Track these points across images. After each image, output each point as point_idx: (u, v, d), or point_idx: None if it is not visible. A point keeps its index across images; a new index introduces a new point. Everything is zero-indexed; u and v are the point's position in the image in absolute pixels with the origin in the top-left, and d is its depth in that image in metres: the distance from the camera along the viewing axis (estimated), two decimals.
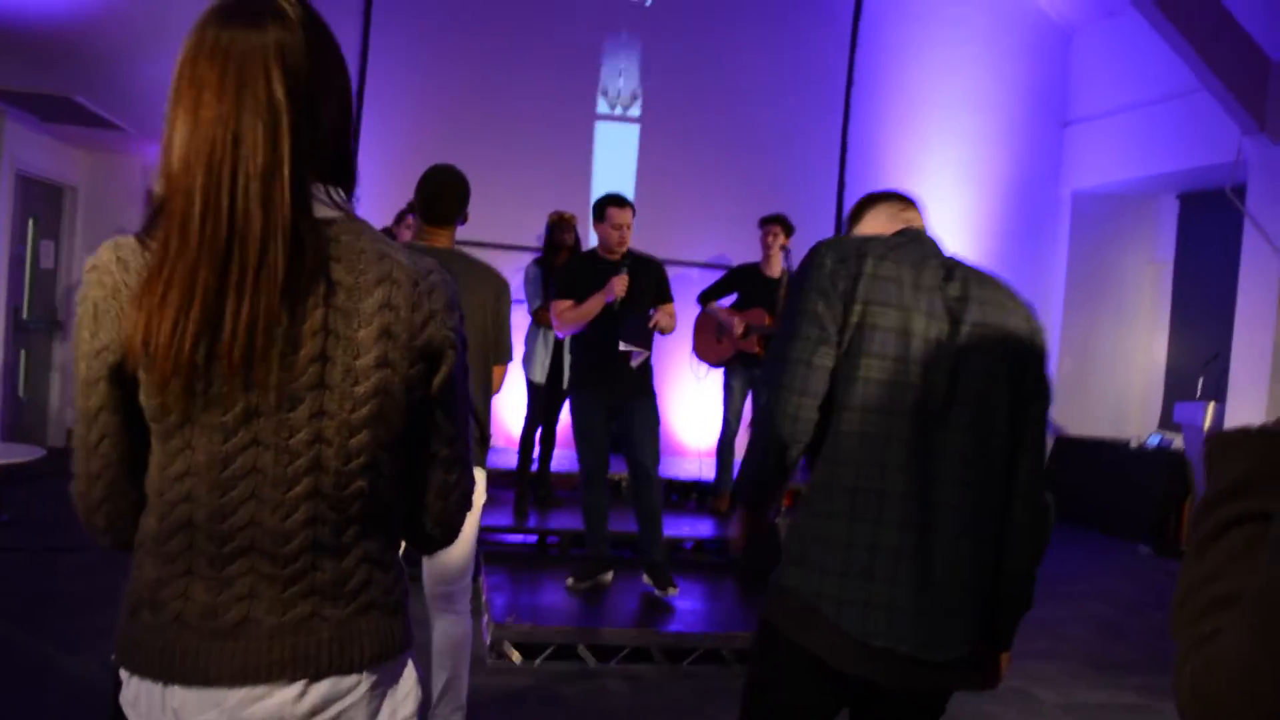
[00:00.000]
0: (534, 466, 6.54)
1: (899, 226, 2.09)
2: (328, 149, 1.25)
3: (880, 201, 2.19)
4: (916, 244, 1.98)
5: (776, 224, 6.70)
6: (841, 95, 9.30)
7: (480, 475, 3.27)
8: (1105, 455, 9.05)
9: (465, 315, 3.14)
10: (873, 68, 9.37)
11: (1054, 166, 9.81)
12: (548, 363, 6.35)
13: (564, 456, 7.59)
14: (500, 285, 3.28)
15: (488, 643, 4.55)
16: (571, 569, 5.21)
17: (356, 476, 1.25)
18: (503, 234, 8.41)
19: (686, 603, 5.01)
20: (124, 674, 1.30)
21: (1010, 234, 9.67)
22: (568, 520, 6.26)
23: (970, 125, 9.51)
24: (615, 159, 8.90)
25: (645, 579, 5.05)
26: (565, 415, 6.86)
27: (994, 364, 1.87)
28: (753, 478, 1.97)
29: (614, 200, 5.03)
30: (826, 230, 9.24)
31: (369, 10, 8.46)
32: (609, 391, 4.95)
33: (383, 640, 1.31)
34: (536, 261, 6.51)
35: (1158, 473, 8.34)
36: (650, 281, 5.02)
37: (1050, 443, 9.58)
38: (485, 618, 4.77)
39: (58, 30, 5.04)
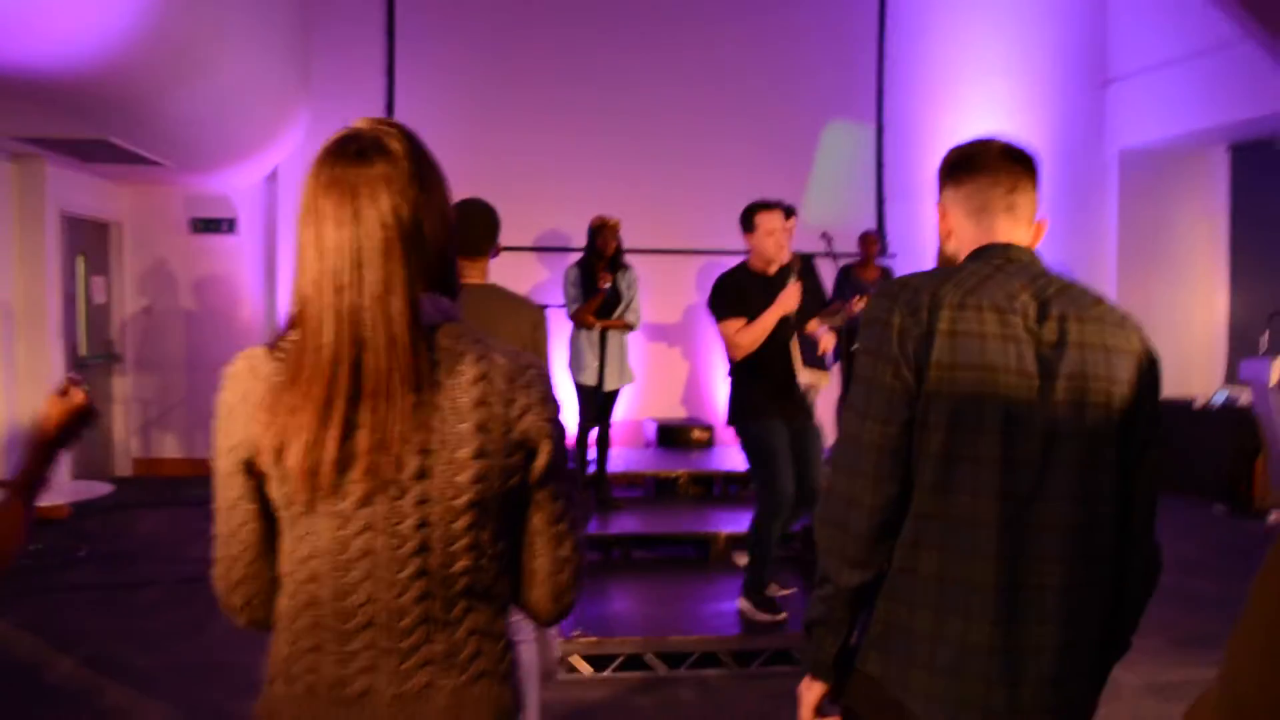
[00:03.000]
0: (591, 469, 6.55)
1: (991, 225, 1.76)
2: (433, 263, 1.38)
3: (979, 174, 1.79)
4: (1004, 274, 1.68)
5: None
6: (874, 74, 9.17)
7: None
8: (1171, 415, 8.83)
9: (490, 337, 3.14)
10: (904, 44, 9.24)
11: (1098, 126, 9.60)
12: (596, 365, 6.35)
13: (620, 456, 7.60)
14: (537, 316, 3.23)
15: (557, 657, 4.55)
16: (753, 600, 4.81)
17: (460, 556, 1.36)
18: (545, 238, 8.44)
19: None
20: None
21: (1059, 198, 9.48)
22: (630, 523, 6.25)
23: (1009, 92, 9.34)
24: (643, 154, 8.86)
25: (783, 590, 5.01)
26: (617, 414, 6.89)
27: (1098, 419, 1.62)
28: (818, 618, 1.74)
29: (761, 205, 4.58)
30: (867, 210, 9.13)
31: (391, 27, 8.48)
32: (791, 416, 4.66)
33: (494, 706, 1.41)
34: (577, 264, 6.49)
35: (1227, 430, 8.18)
36: (811, 280, 4.56)
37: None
38: (553, 631, 4.77)
39: (86, 78, 5.09)
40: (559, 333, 7.26)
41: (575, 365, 6.42)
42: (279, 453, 1.31)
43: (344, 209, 1.32)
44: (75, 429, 1.79)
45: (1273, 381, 7.34)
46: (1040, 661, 1.61)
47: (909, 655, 1.64)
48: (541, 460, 1.40)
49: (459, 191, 3.39)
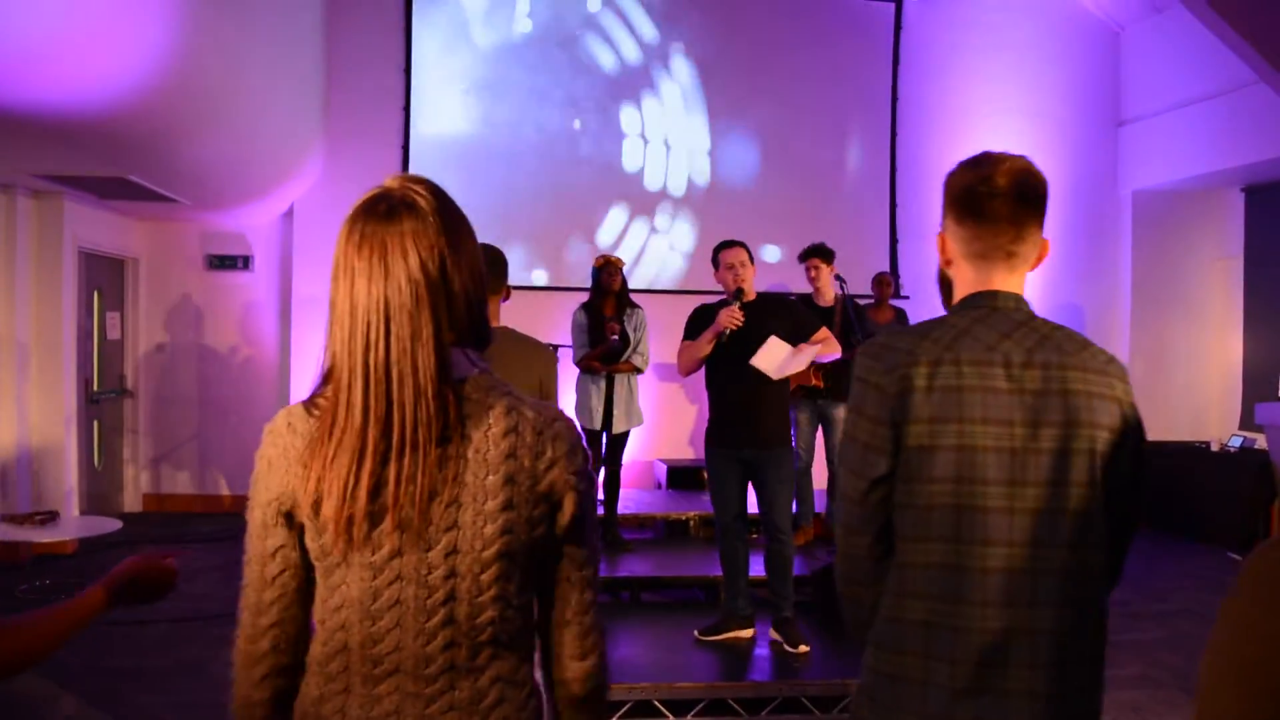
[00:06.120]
0: (599, 511, 6.52)
1: (989, 273, 1.76)
2: (462, 315, 1.42)
3: (983, 221, 1.77)
4: (984, 324, 1.70)
5: (815, 256, 6.68)
6: (887, 115, 9.19)
7: None
8: (1185, 459, 8.79)
9: (517, 389, 3.14)
10: (917, 84, 9.26)
11: (1111, 167, 9.60)
12: (601, 409, 6.35)
13: (630, 498, 7.57)
14: (549, 359, 3.31)
15: None
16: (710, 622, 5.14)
17: (487, 607, 1.40)
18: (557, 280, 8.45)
19: (762, 649, 4.93)
20: None
21: (1072, 238, 9.49)
22: (639, 566, 6.21)
23: (1023, 132, 9.35)
24: (654, 194, 8.88)
25: (774, 634, 4.98)
26: (627, 455, 6.87)
27: (1085, 464, 1.64)
28: (850, 623, 1.86)
29: (723, 244, 4.94)
30: (880, 253, 9.12)
31: (409, 66, 8.54)
32: (744, 444, 4.79)
33: None
34: (584, 306, 6.50)
35: (1242, 475, 8.08)
36: (781, 321, 4.77)
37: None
38: None
39: (110, 119, 5.15)
40: (566, 376, 7.25)
41: (580, 409, 6.41)
42: (316, 506, 1.38)
43: (374, 266, 1.37)
44: (149, 593, 1.72)
45: None
46: (1033, 706, 1.61)
47: (897, 702, 1.66)
48: (567, 513, 1.44)
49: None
